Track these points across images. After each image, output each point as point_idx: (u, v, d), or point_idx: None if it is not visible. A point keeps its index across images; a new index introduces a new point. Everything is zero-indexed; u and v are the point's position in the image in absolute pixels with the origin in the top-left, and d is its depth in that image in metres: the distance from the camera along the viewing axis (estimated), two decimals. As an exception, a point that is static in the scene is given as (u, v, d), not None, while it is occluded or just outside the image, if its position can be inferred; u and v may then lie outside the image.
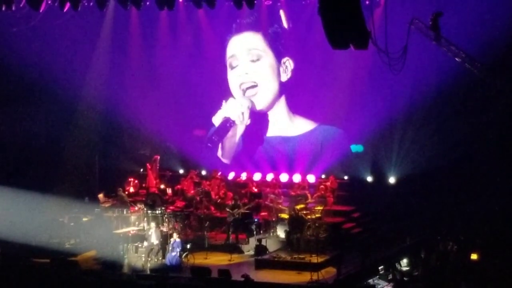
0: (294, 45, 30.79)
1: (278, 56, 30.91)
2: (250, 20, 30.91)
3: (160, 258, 24.39)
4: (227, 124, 31.09)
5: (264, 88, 31.19)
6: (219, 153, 31.82)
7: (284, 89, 31.20)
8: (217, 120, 31.49)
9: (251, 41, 31.24)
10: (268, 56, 31.03)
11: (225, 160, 31.84)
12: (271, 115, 31.54)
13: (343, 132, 30.00)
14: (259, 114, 31.38)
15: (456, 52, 23.77)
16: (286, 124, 31.41)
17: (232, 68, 31.61)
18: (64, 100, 30.77)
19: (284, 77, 30.98)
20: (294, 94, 31.03)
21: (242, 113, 30.87)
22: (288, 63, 30.85)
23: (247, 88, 31.26)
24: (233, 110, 30.99)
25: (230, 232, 26.55)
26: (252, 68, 31.22)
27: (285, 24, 30.48)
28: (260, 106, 31.30)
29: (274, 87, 31.19)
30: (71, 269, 22.49)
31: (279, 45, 30.91)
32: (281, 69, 30.89)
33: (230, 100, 31.38)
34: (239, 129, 31.37)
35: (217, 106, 31.74)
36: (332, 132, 30.25)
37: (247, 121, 31.06)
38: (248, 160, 31.61)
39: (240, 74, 31.41)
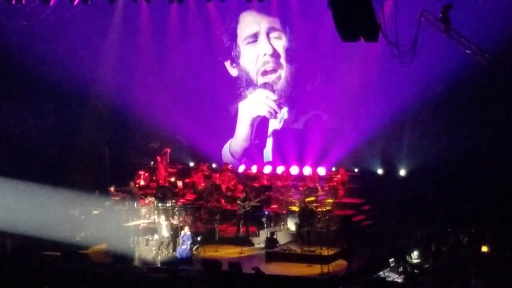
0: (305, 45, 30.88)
1: None
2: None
3: (171, 251, 24.46)
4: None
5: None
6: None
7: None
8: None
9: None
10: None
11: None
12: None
13: (353, 125, 29.93)
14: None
15: (466, 44, 23.67)
16: (295, 117, 31.42)
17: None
18: (74, 93, 30.86)
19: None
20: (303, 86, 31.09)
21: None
22: None
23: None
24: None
25: (240, 225, 26.59)
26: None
27: None
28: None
29: None
30: (82, 262, 22.61)
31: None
32: None
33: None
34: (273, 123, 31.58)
35: (227, 100, 31.77)
36: (342, 124, 30.18)
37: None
38: (258, 153, 31.64)
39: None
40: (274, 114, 31.21)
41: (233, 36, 31.59)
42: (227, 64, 31.89)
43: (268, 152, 31.69)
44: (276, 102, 31.13)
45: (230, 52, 31.76)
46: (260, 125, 31.50)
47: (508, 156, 25.97)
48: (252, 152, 31.75)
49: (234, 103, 31.88)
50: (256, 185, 29.03)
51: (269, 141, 31.64)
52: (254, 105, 31.39)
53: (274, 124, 31.42)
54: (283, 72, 30.91)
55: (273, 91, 31.09)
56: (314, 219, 25.51)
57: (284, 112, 31.17)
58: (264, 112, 31.28)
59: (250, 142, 31.68)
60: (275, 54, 30.87)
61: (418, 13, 22.27)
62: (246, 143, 31.74)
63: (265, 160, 31.67)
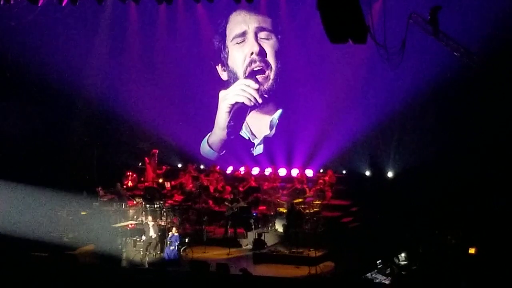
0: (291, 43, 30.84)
1: None
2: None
3: (158, 252, 24.42)
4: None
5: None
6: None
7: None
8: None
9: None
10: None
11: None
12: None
13: (342, 126, 29.90)
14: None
15: (454, 46, 23.71)
16: (284, 118, 31.34)
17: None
18: (62, 94, 30.72)
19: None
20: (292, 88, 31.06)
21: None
22: None
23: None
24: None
25: (228, 226, 26.57)
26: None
27: None
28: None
29: None
30: (69, 263, 22.48)
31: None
32: None
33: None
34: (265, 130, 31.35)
35: (216, 102, 31.68)
36: (330, 126, 30.13)
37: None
38: (247, 154, 31.58)
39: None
40: (255, 102, 30.82)
41: (223, 37, 31.53)
42: (219, 68, 31.80)
43: (260, 147, 31.59)
44: (259, 92, 30.78)
45: (219, 54, 31.68)
46: (237, 110, 30.97)
47: (497, 158, 26.01)
48: (230, 141, 31.39)
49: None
50: (241, 189, 28.94)
51: (261, 147, 31.52)
52: (234, 92, 31.11)
53: (266, 130, 31.32)
54: (271, 73, 30.80)
55: (257, 81, 30.76)
56: (302, 220, 25.51)
57: (276, 118, 31.05)
58: (243, 99, 30.80)
59: (229, 131, 31.13)
60: (263, 54, 30.69)
61: (406, 15, 22.31)
62: (224, 132, 31.22)
63: (255, 153, 31.58)
